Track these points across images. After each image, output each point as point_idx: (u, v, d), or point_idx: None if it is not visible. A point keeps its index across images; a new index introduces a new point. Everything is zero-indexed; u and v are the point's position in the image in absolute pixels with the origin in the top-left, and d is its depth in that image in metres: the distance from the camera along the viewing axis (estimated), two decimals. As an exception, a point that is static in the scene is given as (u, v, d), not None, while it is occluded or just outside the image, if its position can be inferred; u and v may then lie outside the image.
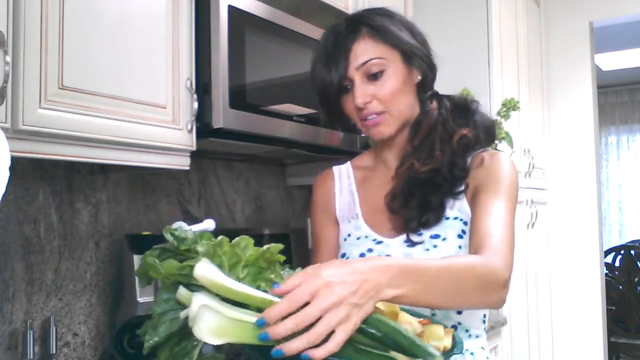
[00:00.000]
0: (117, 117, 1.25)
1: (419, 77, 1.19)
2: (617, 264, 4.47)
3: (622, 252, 4.47)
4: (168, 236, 0.82)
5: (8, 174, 0.83)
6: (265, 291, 0.79)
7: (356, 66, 1.13)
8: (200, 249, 0.80)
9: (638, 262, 4.38)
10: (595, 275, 3.44)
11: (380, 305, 0.84)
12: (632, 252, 4.40)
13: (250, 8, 1.54)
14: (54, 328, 1.44)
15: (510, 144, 2.39)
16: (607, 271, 4.24)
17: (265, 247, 0.82)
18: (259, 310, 0.77)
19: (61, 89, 1.15)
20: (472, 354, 1.16)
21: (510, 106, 2.34)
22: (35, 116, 1.10)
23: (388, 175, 1.23)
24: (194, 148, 1.44)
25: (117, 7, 1.27)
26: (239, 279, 0.80)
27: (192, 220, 1.77)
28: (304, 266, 1.02)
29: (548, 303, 3.37)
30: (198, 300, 0.75)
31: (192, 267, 0.78)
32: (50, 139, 1.14)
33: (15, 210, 1.42)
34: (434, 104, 1.23)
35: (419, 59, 1.17)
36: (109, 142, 1.24)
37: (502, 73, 2.73)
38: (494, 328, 2.39)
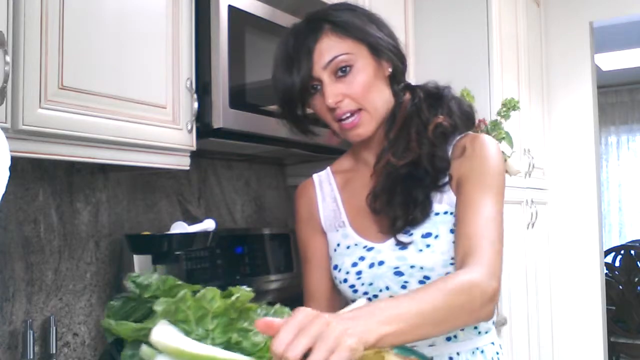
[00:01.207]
0: (117, 117, 1.25)
1: (390, 70, 1.14)
2: (617, 264, 4.47)
3: (622, 252, 4.46)
4: (129, 285, 0.78)
5: (8, 174, 0.83)
6: (236, 343, 0.74)
7: (322, 65, 1.08)
8: (158, 308, 0.74)
9: (638, 262, 4.37)
10: (595, 275, 3.44)
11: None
12: (632, 252, 4.40)
13: (250, 8, 1.54)
14: (54, 328, 1.44)
15: (510, 144, 2.39)
16: (607, 271, 4.23)
17: (234, 297, 0.76)
18: None
19: (61, 89, 1.15)
20: (482, 352, 1.14)
21: (510, 106, 2.34)
22: (35, 116, 1.10)
23: (369, 174, 1.19)
24: (194, 148, 1.44)
25: (117, 7, 1.27)
26: (207, 332, 0.74)
27: (192, 220, 1.76)
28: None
29: (548, 303, 3.36)
30: None
31: (149, 329, 0.73)
32: (50, 139, 1.14)
33: (15, 210, 1.42)
34: (407, 96, 1.18)
35: (387, 50, 1.12)
36: (109, 142, 1.24)
37: (502, 73, 2.73)
38: (494, 328, 2.39)
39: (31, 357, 1.37)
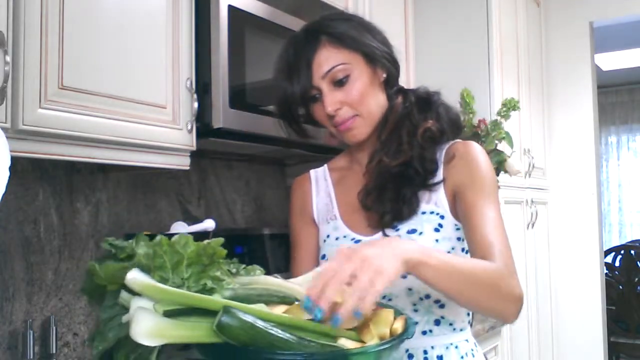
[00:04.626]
0: (117, 117, 1.25)
1: (384, 75, 1.21)
2: (617, 264, 4.47)
3: (622, 252, 4.46)
4: (106, 246, 0.83)
5: (8, 174, 0.83)
6: (209, 291, 0.80)
7: (321, 75, 1.14)
8: (139, 250, 0.80)
9: (638, 262, 4.37)
10: (595, 275, 3.44)
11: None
12: (632, 252, 4.40)
13: (250, 8, 1.54)
14: (54, 328, 1.44)
15: (510, 144, 2.39)
16: (607, 271, 4.24)
17: (205, 242, 0.82)
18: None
19: (61, 89, 1.15)
20: (456, 347, 1.18)
21: (510, 106, 2.34)
22: (35, 116, 1.10)
23: (362, 173, 1.25)
24: (194, 148, 1.44)
25: (117, 7, 1.27)
26: (183, 280, 0.80)
27: (192, 220, 1.77)
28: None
29: (548, 303, 3.37)
30: (136, 303, 0.76)
31: (130, 269, 0.78)
32: (50, 139, 1.14)
33: (15, 210, 1.42)
34: (399, 99, 1.24)
35: (381, 58, 1.19)
36: (109, 142, 1.24)
37: (502, 73, 2.73)
38: (494, 328, 2.39)
39: (31, 357, 1.37)
